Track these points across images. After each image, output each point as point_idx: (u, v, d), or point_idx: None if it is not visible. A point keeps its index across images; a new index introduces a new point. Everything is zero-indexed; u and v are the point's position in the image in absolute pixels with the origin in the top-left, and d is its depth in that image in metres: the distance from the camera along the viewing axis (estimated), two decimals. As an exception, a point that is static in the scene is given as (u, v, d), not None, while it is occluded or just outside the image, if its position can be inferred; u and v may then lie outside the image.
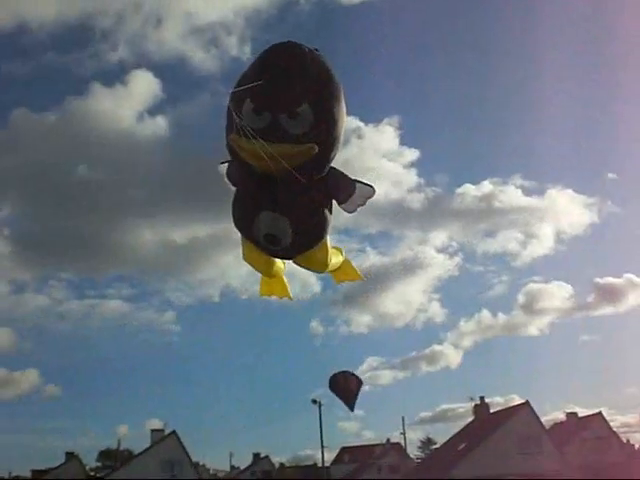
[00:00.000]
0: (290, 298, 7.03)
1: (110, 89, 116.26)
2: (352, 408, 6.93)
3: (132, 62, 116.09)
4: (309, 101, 5.26)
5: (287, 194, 5.50)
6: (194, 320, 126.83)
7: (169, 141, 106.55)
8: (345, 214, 5.76)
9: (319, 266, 6.31)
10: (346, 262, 6.88)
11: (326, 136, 5.37)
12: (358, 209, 5.80)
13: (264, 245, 5.77)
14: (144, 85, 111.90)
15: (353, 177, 5.70)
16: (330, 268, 6.52)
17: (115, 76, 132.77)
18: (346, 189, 5.70)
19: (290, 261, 6.31)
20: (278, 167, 5.21)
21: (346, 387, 6.37)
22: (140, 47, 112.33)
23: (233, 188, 5.93)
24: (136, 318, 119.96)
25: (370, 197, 5.77)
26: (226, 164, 5.92)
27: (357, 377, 6.74)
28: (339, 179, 5.69)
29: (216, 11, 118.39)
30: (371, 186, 5.74)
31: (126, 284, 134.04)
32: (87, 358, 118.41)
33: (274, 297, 7.08)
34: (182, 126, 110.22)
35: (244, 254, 6.27)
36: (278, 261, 6.41)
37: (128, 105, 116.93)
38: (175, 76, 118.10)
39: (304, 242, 5.80)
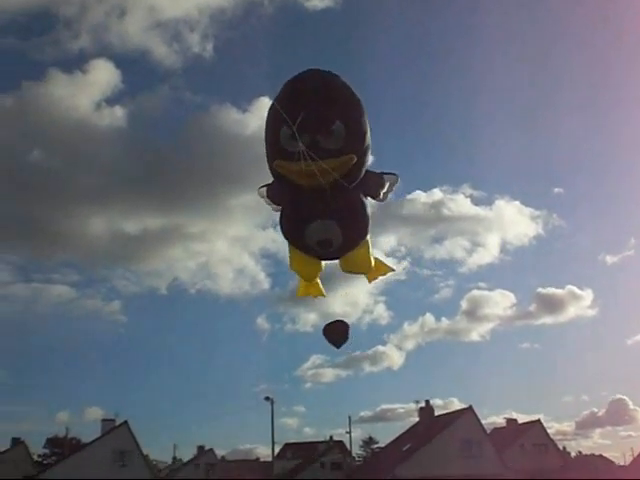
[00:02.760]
0: (324, 296, 7.66)
1: (69, 76, 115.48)
2: (339, 346, 7.77)
3: (93, 51, 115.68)
4: (340, 119, 6.21)
5: (334, 201, 6.34)
6: (140, 311, 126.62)
7: (125, 132, 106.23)
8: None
9: (363, 265, 7.04)
10: (375, 259, 7.36)
11: (360, 145, 6.34)
12: (388, 197, 6.75)
13: (317, 250, 6.62)
14: (104, 75, 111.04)
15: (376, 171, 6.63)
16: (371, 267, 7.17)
17: (75, 64, 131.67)
18: (378, 185, 6.63)
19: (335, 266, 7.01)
20: (325, 180, 6.07)
21: (336, 336, 7.23)
22: (102, 37, 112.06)
23: (274, 207, 6.76)
24: (82, 305, 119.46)
25: (396, 183, 6.72)
26: (264, 188, 6.71)
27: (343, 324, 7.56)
28: (371, 178, 6.59)
29: (180, 7, 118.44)
30: (394, 174, 6.71)
31: (73, 270, 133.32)
32: (31, 342, 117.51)
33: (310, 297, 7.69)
34: (139, 118, 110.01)
35: (290, 264, 7.06)
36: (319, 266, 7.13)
37: (86, 93, 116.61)
38: (136, 68, 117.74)
39: (352, 240, 6.66)
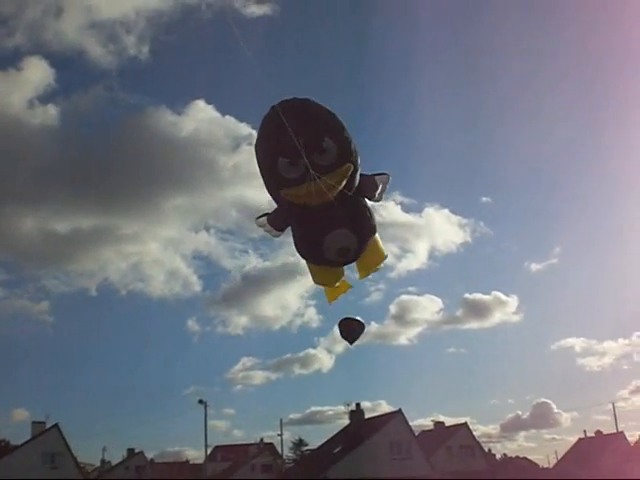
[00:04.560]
0: (351, 287, 7.73)
1: (3, 73, 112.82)
2: (352, 343, 8.26)
3: (28, 49, 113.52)
4: (327, 135, 6.64)
5: (341, 211, 6.75)
6: (69, 312, 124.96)
7: (58, 131, 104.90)
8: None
9: (378, 257, 7.40)
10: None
11: (350, 154, 6.79)
12: (383, 197, 7.14)
13: (336, 259, 6.98)
14: (38, 73, 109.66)
15: (364, 174, 6.95)
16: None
17: (9, 61, 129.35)
18: (372, 186, 7.04)
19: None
20: (332, 194, 6.47)
21: (350, 333, 7.68)
22: (38, 35, 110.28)
23: (275, 233, 7.14)
24: (10, 304, 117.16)
25: (388, 182, 7.09)
26: (263, 217, 7.06)
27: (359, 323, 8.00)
28: (365, 182, 6.99)
29: (117, 8, 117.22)
30: (385, 174, 7.12)
31: (2, 269, 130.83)
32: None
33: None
34: (73, 117, 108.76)
35: (314, 278, 7.44)
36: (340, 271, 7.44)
37: (20, 91, 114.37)
38: (71, 67, 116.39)
39: (366, 241, 7.06)
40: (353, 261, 7.22)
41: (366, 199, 7.11)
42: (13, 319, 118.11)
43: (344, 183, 6.56)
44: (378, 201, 7.15)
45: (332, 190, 6.46)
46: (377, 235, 7.34)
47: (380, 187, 7.07)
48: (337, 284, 7.64)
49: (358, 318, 8.19)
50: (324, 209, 6.65)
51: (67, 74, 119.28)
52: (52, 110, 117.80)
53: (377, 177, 7.07)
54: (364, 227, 7.05)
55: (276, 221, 7.07)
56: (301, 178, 6.42)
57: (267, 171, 6.77)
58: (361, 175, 6.96)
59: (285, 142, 6.40)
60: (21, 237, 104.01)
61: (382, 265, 7.68)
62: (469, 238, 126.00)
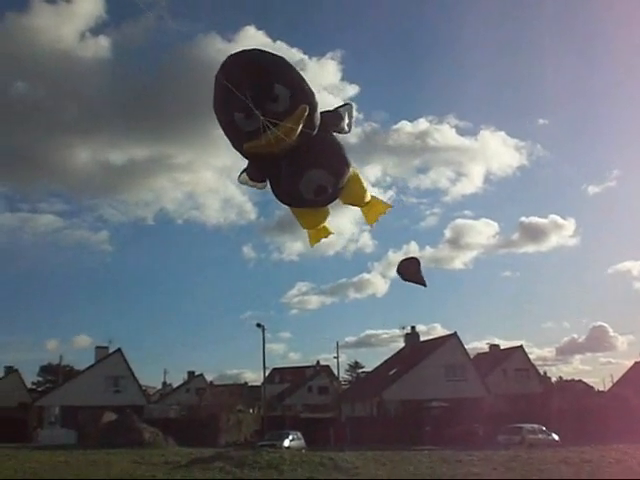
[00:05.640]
0: (333, 233, 7.69)
1: (53, 7, 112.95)
2: (424, 283, 8.16)
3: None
4: (277, 81, 6.54)
5: (310, 152, 6.62)
6: (127, 241, 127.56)
7: (110, 62, 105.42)
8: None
9: (361, 193, 7.24)
10: (372, 197, 7.50)
11: (305, 95, 6.66)
12: (352, 126, 7.13)
13: (317, 201, 6.91)
14: (88, 4, 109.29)
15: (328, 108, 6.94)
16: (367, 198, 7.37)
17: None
18: (337, 119, 6.97)
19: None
20: (292, 139, 6.33)
21: (411, 273, 7.58)
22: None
23: (260, 185, 7.01)
24: (69, 234, 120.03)
25: (352, 110, 7.16)
26: (244, 173, 6.95)
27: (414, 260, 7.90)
28: (328, 117, 6.88)
29: None
30: (347, 103, 7.20)
31: (60, 199, 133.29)
32: (19, 272, 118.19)
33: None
34: (124, 48, 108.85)
35: (302, 223, 7.35)
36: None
37: (71, 24, 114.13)
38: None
39: (341, 174, 6.88)
40: (335, 198, 7.07)
41: (336, 133, 6.99)
42: (73, 248, 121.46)
43: (302, 125, 6.40)
44: (348, 132, 7.07)
45: (291, 134, 6.33)
46: (359, 174, 7.23)
47: (346, 118, 7.03)
48: (321, 226, 7.54)
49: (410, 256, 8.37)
50: (291, 155, 6.58)
51: (117, 4, 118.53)
52: (103, 41, 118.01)
53: (340, 109, 7.07)
54: (335, 162, 6.90)
55: (255, 174, 6.97)
56: (259, 129, 6.30)
57: (227, 129, 6.74)
58: (325, 112, 6.88)
59: (237, 97, 6.33)
60: (76, 168, 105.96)
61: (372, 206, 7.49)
62: (526, 161, 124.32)
